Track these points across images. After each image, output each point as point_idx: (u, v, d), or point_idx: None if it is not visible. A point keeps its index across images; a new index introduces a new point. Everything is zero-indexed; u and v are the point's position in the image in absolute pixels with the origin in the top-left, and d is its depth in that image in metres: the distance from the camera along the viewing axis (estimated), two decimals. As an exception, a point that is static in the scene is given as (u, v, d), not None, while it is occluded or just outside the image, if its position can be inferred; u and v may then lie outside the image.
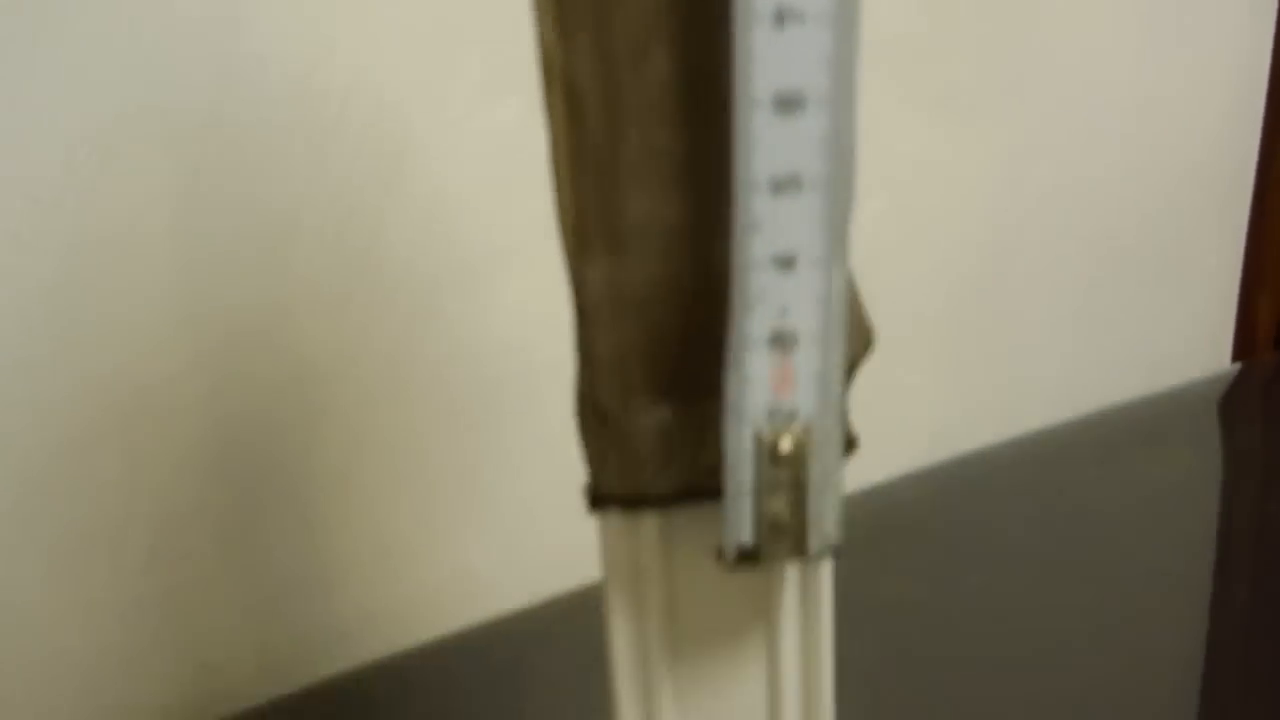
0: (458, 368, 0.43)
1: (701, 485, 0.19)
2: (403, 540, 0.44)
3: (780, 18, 0.15)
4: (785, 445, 0.18)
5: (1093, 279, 0.64)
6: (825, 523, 0.19)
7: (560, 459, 0.46)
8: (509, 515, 0.46)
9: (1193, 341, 0.72)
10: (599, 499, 0.20)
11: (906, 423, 0.58)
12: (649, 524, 0.21)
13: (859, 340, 0.20)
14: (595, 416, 0.19)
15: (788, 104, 0.15)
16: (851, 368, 0.19)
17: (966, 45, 0.54)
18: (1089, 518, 0.48)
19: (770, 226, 0.16)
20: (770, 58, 0.15)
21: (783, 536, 0.18)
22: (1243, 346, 0.74)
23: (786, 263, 0.17)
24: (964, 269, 0.58)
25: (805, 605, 0.22)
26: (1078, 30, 0.58)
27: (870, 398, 0.36)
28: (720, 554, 0.19)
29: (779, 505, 0.18)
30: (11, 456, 0.36)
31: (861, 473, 0.38)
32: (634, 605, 0.22)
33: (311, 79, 0.38)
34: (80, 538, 0.37)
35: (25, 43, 0.33)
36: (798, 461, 0.18)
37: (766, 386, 0.17)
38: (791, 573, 0.22)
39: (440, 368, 0.43)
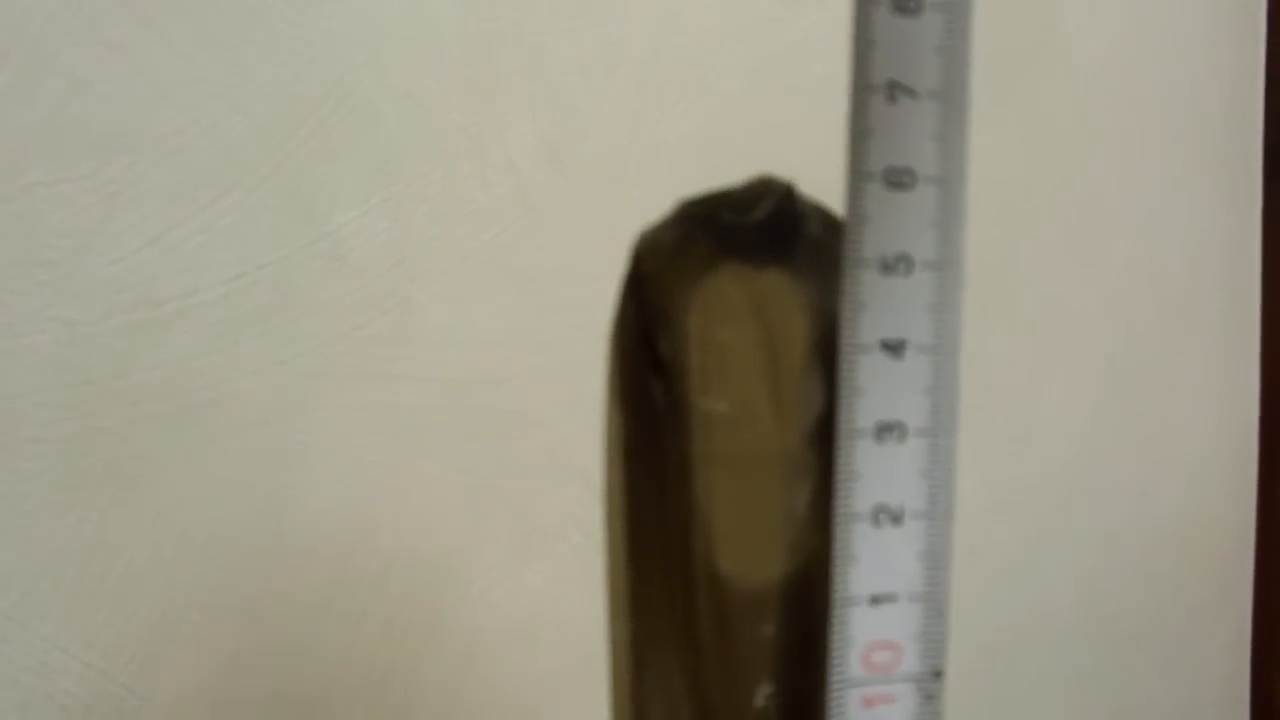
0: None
1: None
2: None
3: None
4: None
5: (1099, 670, 0.64)
6: None
7: None
8: None
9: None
10: None
11: None
12: None
13: None
14: None
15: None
16: None
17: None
18: None
19: None
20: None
21: None
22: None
23: None
24: (970, 670, 0.58)
25: None
26: (1067, 426, 0.61)
27: None
28: None
29: None
30: None
31: None
32: None
33: (349, 564, 0.39)
34: None
35: (76, 562, 0.34)
36: None
37: None
38: None
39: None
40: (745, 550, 0.14)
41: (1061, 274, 0.60)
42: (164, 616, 0.35)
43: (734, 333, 0.13)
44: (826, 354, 0.14)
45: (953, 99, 0.14)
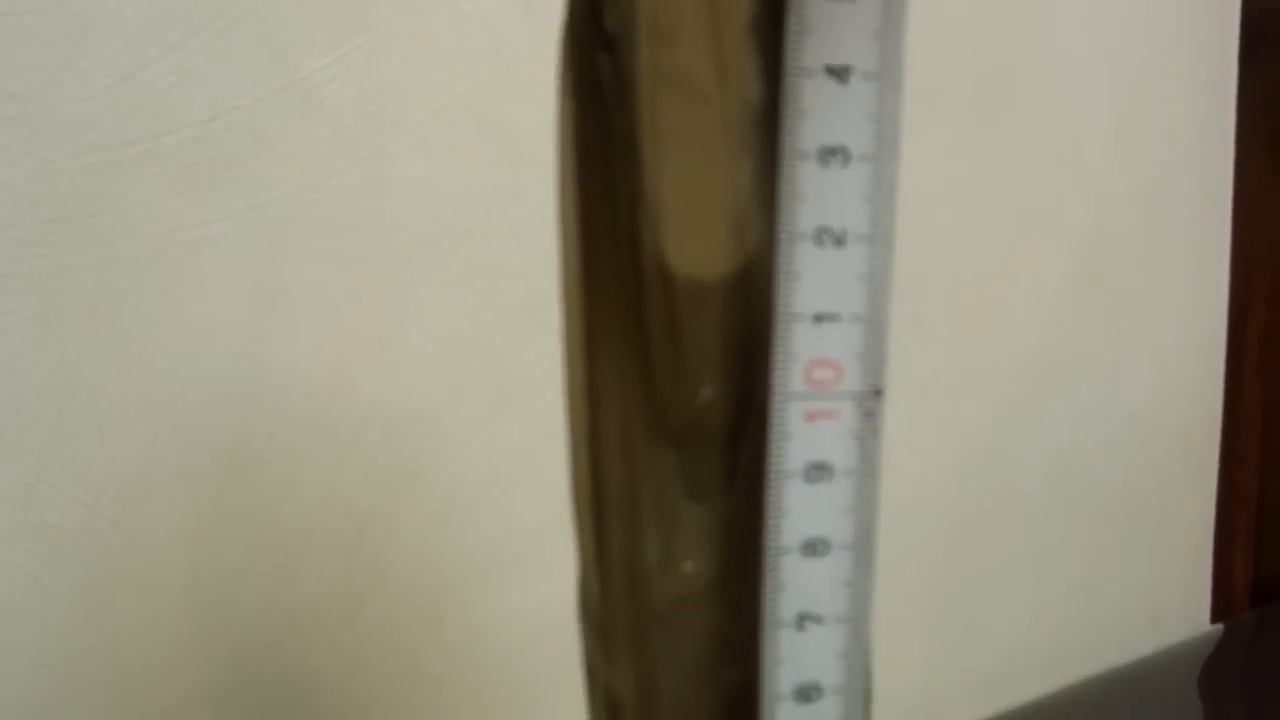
0: (463, 675, 0.43)
1: None
2: None
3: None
4: None
5: (1066, 546, 0.66)
6: None
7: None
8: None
9: (1171, 603, 0.73)
10: None
11: (888, 698, 0.58)
12: None
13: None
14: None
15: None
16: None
17: (938, 324, 0.57)
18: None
19: None
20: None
21: None
22: (1221, 604, 0.75)
23: None
24: (942, 543, 0.60)
25: None
26: (1040, 305, 0.61)
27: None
28: None
29: None
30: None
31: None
32: None
33: (327, 412, 0.39)
34: None
35: (58, 399, 0.34)
36: None
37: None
38: None
39: (445, 675, 0.43)
40: (692, 234, 0.14)
41: (1036, 156, 0.60)
42: (147, 456, 0.36)
43: (678, 2, 0.14)
44: (766, 33, 0.14)
45: None
